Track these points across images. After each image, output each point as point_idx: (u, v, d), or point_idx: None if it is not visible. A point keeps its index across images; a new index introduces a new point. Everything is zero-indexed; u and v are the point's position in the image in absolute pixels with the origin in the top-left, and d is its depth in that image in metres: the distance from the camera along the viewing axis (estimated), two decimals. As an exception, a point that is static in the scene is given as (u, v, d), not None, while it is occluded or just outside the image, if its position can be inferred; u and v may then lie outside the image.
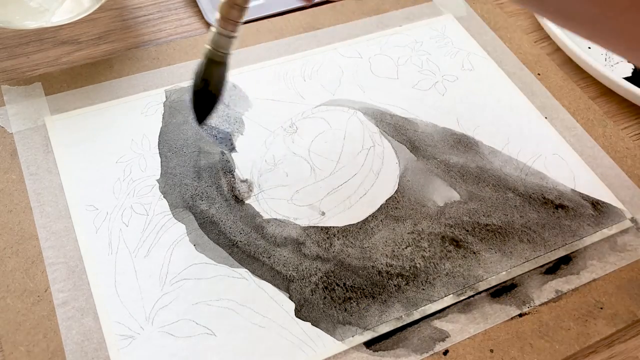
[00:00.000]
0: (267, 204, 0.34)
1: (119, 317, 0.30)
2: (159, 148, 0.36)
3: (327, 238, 0.33)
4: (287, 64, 0.42)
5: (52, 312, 0.30)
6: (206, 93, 0.32)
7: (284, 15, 0.46)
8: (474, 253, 0.34)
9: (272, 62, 0.42)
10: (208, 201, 0.34)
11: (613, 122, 0.41)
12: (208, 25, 0.45)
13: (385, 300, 0.31)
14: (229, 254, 0.32)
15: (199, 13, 0.46)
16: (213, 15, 0.45)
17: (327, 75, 0.42)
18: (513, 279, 0.33)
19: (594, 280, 0.33)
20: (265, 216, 0.34)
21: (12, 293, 0.30)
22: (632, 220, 0.36)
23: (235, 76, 0.41)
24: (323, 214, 0.34)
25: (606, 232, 0.35)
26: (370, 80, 0.42)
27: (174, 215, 0.33)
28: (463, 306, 0.32)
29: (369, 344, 0.30)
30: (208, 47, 0.31)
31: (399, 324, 0.31)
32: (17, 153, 0.35)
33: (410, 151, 0.38)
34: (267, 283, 0.31)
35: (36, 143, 0.36)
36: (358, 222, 0.34)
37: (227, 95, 0.40)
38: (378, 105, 0.40)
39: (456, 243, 0.34)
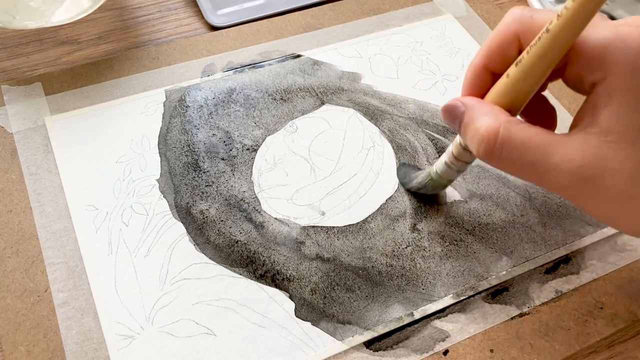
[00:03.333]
0: (267, 203, 0.34)
1: (118, 317, 0.30)
2: (158, 148, 0.36)
3: (327, 238, 0.33)
4: (288, 64, 0.42)
5: (52, 312, 0.30)
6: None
7: (284, 15, 0.46)
8: (475, 252, 0.34)
9: (272, 61, 0.42)
10: (208, 201, 0.34)
11: (613, 122, 0.41)
12: (208, 25, 0.45)
13: (385, 300, 0.31)
14: (229, 254, 0.32)
15: (199, 13, 0.46)
16: (211, 15, 0.45)
17: (328, 75, 0.42)
18: (513, 278, 0.33)
19: (594, 280, 0.33)
20: (265, 215, 0.34)
21: (12, 293, 0.30)
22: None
23: (236, 76, 0.41)
24: (323, 213, 0.34)
25: (606, 231, 0.35)
26: (371, 80, 0.42)
27: (173, 215, 0.33)
28: (463, 306, 0.32)
29: (369, 344, 0.30)
30: (435, 171, 0.33)
31: (399, 324, 0.31)
32: (17, 153, 0.35)
33: (410, 151, 0.38)
34: (267, 283, 0.31)
35: (36, 143, 0.36)
36: (358, 222, 0.34)
37: (229, 97, 0.40)
38: (378, 105, 0.40)
39: (456, 243, 0.34)
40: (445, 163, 0.32)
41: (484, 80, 0.29)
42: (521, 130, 0.25)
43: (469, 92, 0.29)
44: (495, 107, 0.27)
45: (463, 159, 0.31)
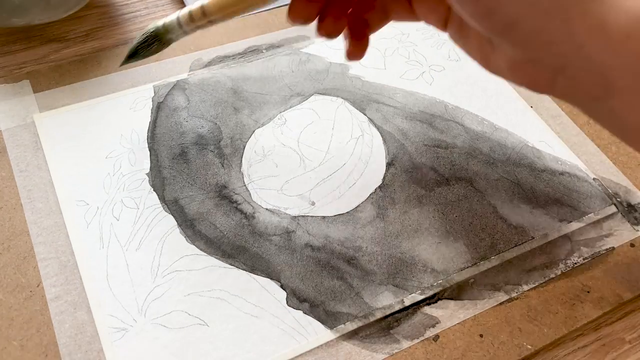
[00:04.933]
0: (257, 194, 0.35)
1: (111, 310, 0.30)
2: (147, 142, 0.37)
3: (318, 227, 0.34)
4: (275, 58, 0.42)
5: (45, 307, 0.30)
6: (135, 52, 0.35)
7: (271, 10, 0.46)
8: (463, 239, 0.34)
9: (259, 55, 0.42)
10: (198, 193, 0.34)
11: (598, 110, 0.41)
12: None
13: (375, 288, 0.32)
14: (220, 245, 0.32)
15: (186, 9, 0.46)
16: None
17: (316, 67, 0.42)
18: (502, 264, 0.33)
19: (581, 264, 0.34)
20: (256, 206, 0.34)
21: (4, 289, 0.30)
22: (617, 205, 0.36)
23: (224, 70, 0.41)
24: (313, 203, 0.35)
25: (592, 217, 0.36)
26: (358, 71, 0.42)
27: (164, 208, 0.34)
28: (453, 292, 0.32)
29: (359, 332, 0.30)
30: (163, 24, 0.33)
31: (390, 311, 0.31)
32: (7, 150, 0.36)
33: (399, 139, 0.38)
34: (258, 272, 0.32)
35: (25, 140, 0.36)
36: (348, 211, 0.35)
37: (217, 90, 0.40)
38: (366, 94, 0.40)
39: (446, 230, 0.34)
40: (178, 20, 0.32)
41: None
42: None
43: None
44: None
45: (198, 22, 0.32)
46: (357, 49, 0.34)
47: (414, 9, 0.32)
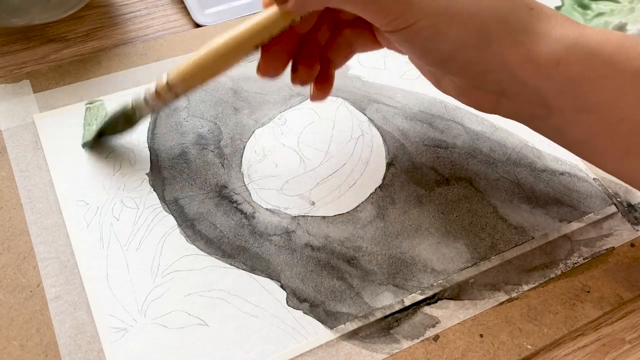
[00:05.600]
0: (257, 194, 0.35)
1: (111, 310, 0.30)
2: (147, 142, 0.37)
3: (318, 227, 0.34)
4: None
5: (45, 307, 0.30)
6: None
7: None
8: (464, 239, 0.34)
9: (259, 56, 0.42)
10: (198, 193, 0.34)
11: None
12: (194, 22, 0.45)
13: (375, 288, 0.32)
14: (220, 245, 0.32)
15: (186, 9, 0.46)
16: (199, 14, 0.45)
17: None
18: (502, 264, 0.33)
19: (581, 264, 0.34)
20: (256, 206, 0.34)
21: (5, 289, 0.30)
22: (617, 205, 0.36)
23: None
24: (313, 203, 0.35)
25: (592, 217, 0.36)
26: (358, 71, 0.42)
27: (164, 208, 0.34)
28: (453, 292, 0.32)
29: (359, 331, 0.30)
30: (131, 105, 0.34)
31: (390, 311, 0.31)
32: (7, 150, 0.36)
33: (399, 139, 0.38)
34: (258, 272, 0.32)
35: (25, 140, 0.36)
36: (348, 211, 0.35)
37: (217, 90, 0.40)
38: (366, 94, 0.40)
39: (446, 230, 0.34)
40: (145, 98, 0.33)
41: None
42: None
43: None
44: None
45: (164, 96, 0.32)
46: (322, 90, 0.35)
47: (377, 39, 0.34)
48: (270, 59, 0.32)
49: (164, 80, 0.32)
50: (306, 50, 0.33)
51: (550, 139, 0.32)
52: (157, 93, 0.32)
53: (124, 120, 0.35)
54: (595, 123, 0.28)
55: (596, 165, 0.32)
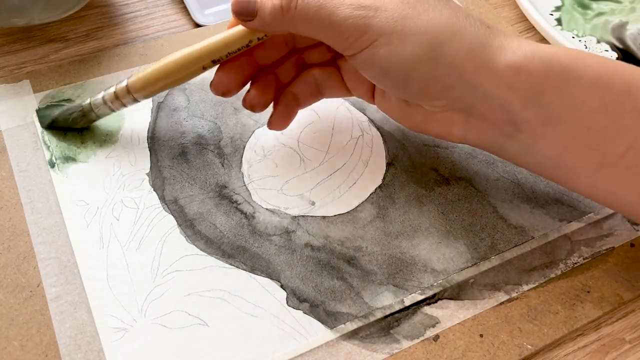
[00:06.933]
0: (257, 194, 0.35)
1: (111, 310, 0.30)
2: (147, 142, 0.37)
3: (318, 227, 0.34)
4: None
5: (45, 307, 0.30)
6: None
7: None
8: (463, 239, 0.34)
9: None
10: (198, 193, 0.34)
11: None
12: (194, 22, 0.45)
13: (375, 288, 0.32)
14: (220, 245, 0.32)
15: (186, 9, 0.46)
16: (198, 14, 0.45)
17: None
18: (502, 264, 0.33)
19: (581, 264, 0.34)
20: (256, 206, 0.34)
21: (5, 289, 0.30)
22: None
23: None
24: (313, 203, 0.35)
25: (592, 216, 0.36)
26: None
27: (164, 208, 0.34)
28: (453, 292, 0.32)
29: (359, 331, 0.30)
30: (89, 103, 0.35)
31: (390, 311, 0.31)
32: (7, 150, 0.36)
33: (399, 139, 0.38)
34: (258, 272, 0.32)
35: (25, 140, 0.36)
36: (348, 211, 0.35)
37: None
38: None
39: (446, 230, 0.34)
40: (103, 98, 0.34)
41: None
42: None
43: None
44: None
45: (122, 99, 0.34)
46: (281, 121, 0.36)
47: (346, 85, 0.35)
48: (224, 76, 0.33)
49: (123, 83, 0.34)
50: (263, 78, 0.34)
51: (520, 164, 0.32)
52: (116, 95, 0.34)
53: (80, 116, 0.36)
54: (563, 135, 0.28)
55: (568, 186, 0.31)
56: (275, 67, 0.34)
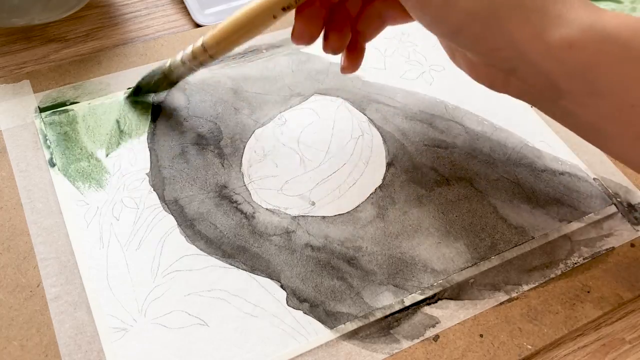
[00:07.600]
0: (257, 194, 0.35)
1: (111, 310, 0.30)
2: (148, 142, 0.37)
3: (318, 227, 0.34)
4: (275, 58, 0.42)
5: (45, 307, 0.30)
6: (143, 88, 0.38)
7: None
8: (463, 239, 0.34)
9: (260, 55, 0.42)
10: (198, 193, 0.34)
11: (598, 110, 0.41)
12: (194, 22, 0.45)
13: (375, 288, 0.32)
14: (220, 245, 0.32)
15: (186, 9, 0.46)
16: (198, 14, 0.45)
17: (316, 67, 0.42)
18: (502, 264, 0.33)
19: (581, 264, 0.34)
20: (256, 206, 0.34)
21: (4, 289, 0.30)
22: (617, 205, 0.36)
23: (224, 70, 0.41)
24: (313, 203, 0.35)
25: (592, 217, 0.36)
26: (358, 71, 0.42)
27: (164, 208, 0.34)
28: (453, 292, 0.32)
29: (359, 331, 0.30)
30: (169, 66, 0.36)
31: (390, 311, 0.31)
32: (7, 150, 0.36)
33: (399, 139, 0.38)
34: (258, 272, 0.32)
35: (25, 140, 0.36)
36: (348, 211, 0.35)
37: (217, 90, 0.40)
38: (366, 94, 0.40)
39: (446, 230, 0.34)
40: (182, 59, 0.35)
41: None
42: None
43: None
44: None
45: (200, 58, 0.34)
46: (353, 62, 0.36)
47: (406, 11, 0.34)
48: (304, 23, 0.32)
49: (199, 42, 0.34)
50: (337, 18, 0.33)
51: (560, 122, 0.31)
52: (193, 54, 0.34)
53: (162, 78, 0.37)
54: (605, 107, 0.28)
55: (605, 151, 0.31)
56: (344, 2, 0.34)
